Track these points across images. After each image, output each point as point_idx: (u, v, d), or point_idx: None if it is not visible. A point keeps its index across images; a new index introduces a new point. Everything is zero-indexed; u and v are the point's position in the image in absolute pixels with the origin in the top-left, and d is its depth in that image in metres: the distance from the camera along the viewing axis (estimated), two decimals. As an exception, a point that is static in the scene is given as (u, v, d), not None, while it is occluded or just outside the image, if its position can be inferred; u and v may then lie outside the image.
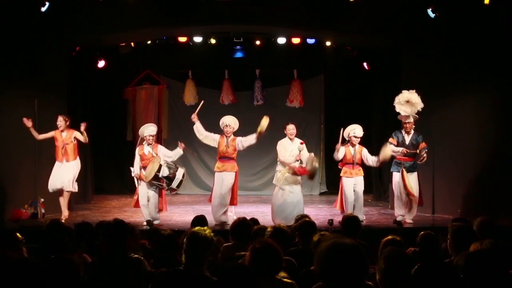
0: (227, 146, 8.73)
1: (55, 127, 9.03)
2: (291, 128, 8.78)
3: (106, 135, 13.14)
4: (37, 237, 5.32)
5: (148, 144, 8.64)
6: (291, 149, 8.69)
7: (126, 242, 4.12)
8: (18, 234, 4.51)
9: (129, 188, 12.10)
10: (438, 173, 9.85)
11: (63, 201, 8.98)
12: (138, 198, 8.66)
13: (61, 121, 8.89)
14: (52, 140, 8.98)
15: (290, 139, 8.76)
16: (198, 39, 11.51)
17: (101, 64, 11.77)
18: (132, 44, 11.60)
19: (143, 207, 8.54)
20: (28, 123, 8.70)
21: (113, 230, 4.10)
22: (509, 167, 8.63)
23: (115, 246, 4.04)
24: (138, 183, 8.70)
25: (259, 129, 8.64)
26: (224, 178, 8.66)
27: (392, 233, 4.74)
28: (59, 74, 10.12)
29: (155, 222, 8.52)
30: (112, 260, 3.98)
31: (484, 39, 8.76)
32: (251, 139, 8.74)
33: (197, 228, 3.69)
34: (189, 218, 7.04)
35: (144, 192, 8.56)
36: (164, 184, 8.51)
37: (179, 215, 9.66)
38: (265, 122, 8.66)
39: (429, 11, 9.08)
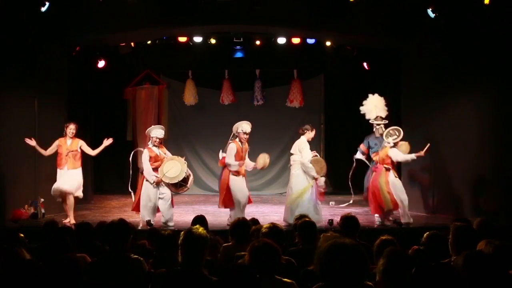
0: (243, 152, 8.65)
1: (55, 127, 9.02)
2: (314, 134, 8.90)
3: (106, 135, 13.11)
4: (37, 237, 5.32)
5: (154, 146, 8.57)
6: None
7: (128, 243, 4.12)
8: (21, 235, 4.53)
9: (129, 188, 12.10)
10: (438, 173, 9.85)
11: (69, 207, 8.85)
12: (138, 201, 8.49)
13: (73, 128, 8.80)
14: (54, 142, 8.93)
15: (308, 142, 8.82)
16: (198, 39, 11.50)
17: (101, 64, 11.76)
18: (132, 44, 11.59)
19: (145, 208, 8.35)
20: (32, 142, 8.64)
21: (117, 229, 4.09)
22: (509, 167, 8.63)
23: (117, 246, 4.04)
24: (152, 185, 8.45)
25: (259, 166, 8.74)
26: (245, 181, 8.68)
27: (393, 233, 4.74)
28: (59, 74, 10.12)
29: (170, 224, 8.33)
30: (112, 260, 3.98)
31: (484, 39, 8.76)
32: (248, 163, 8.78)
33: (191, 227, 3.71)
34: (189, 218, 7.04)
35: (154, 194, 8.36)
36: (184, 184, 8.49)
37: (179, 215, 9.65)
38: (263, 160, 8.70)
39: (429, 11, 9.07)
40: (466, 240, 4.06)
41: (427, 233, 4.53)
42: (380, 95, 12.15)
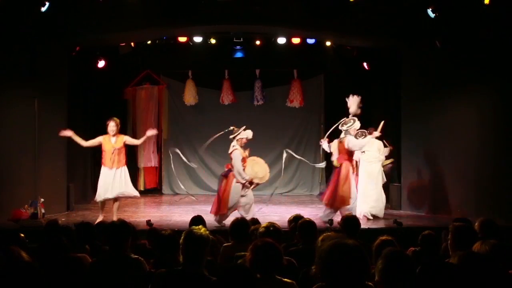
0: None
1: (55, 127, 9.01)
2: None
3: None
4: (37, 237, 5.32)
5: (241, 146, 8.64)
6: None
7: (127, 243, 4.12)
8: (21, 235, 4.52)
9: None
10: (438, 173, 9.85)
11: (116, 207, 8.82)
12: (221, 203, 8.49)
13: (113, 126, 8.64)
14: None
15: None
16: (198, 39, 11.51)
17: (101, 64, 11.75)
18: (132, 44, 11.59)
19: (231, 208, 8.53)
20: (67, 133, 8.60)
21: (117, 229, 4.09)
22: (509, 167, 8.63)
23: (117, 246, 4.03)
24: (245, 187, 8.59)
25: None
26: None
27: (392, 233, 4.74)
28: (59, 74, 10.12)
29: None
30: (112, 260, 3.98)
31: (484, 39, 8.76)
32: None
33: (192, 227, 3.70)
34: (189, 218, 7.02)
35: (239, 194, 8.56)
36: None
37: (179, 215, 9.66)
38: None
39: (429, 11, 9.07)
40: (466, 240, 4.05)
41: (423, 233, 4.55)
42: (380, 95, 12.22)
